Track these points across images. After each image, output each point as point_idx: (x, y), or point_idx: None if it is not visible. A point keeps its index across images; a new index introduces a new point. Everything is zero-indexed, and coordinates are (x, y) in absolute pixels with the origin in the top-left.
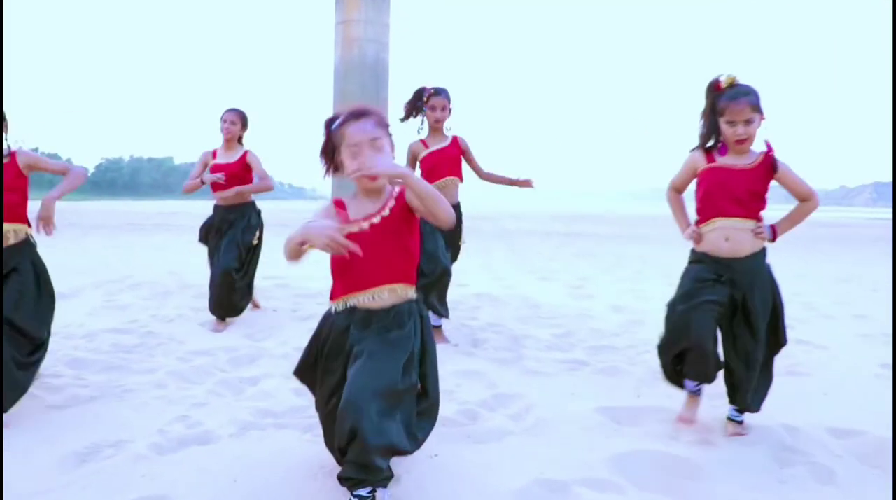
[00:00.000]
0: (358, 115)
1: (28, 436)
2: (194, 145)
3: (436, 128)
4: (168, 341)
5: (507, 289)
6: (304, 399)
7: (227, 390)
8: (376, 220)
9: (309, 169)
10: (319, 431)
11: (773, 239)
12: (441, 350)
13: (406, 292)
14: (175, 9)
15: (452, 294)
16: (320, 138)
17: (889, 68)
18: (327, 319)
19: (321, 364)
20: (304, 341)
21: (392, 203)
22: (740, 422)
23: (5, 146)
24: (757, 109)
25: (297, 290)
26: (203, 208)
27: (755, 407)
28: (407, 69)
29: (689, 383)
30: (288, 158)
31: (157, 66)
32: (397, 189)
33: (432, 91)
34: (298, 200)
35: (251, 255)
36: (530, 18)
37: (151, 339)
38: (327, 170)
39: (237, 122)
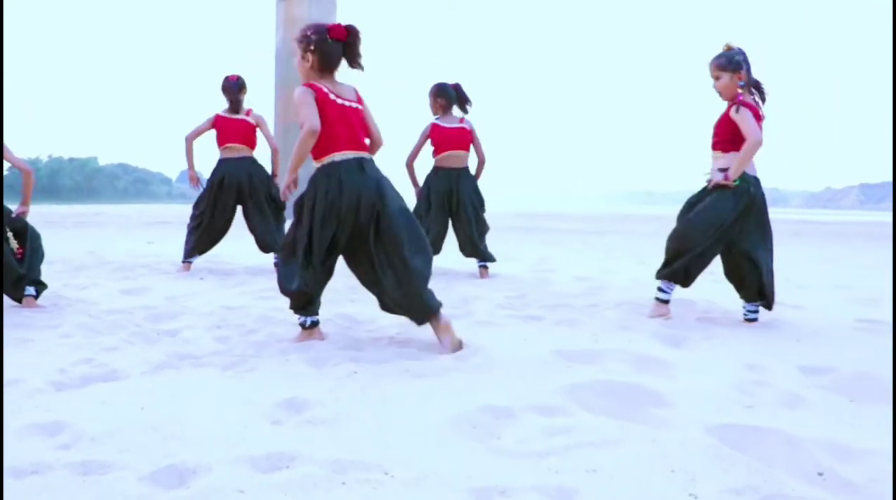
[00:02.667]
0: None
1: None
2: (121, 144)
3: None
4: (78, 302)
5: (458, 264)
6: (227, 344)
7: (140, 340)
8: (358, 105)
9: None
10: (242, 368)
11: (726, 179)
12: (373, 310)
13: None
14: None
15: None
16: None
17: (876, 70)
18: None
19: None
20: (234, 302)
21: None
22: (755, 319)
23: None
24: (721, 67)
25: (227, 264)
26: (128, 211)
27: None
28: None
29: (666, 288)
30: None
31: (78, 55)
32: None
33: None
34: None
35: None
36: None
37: (60, 301)
38: None
39: None
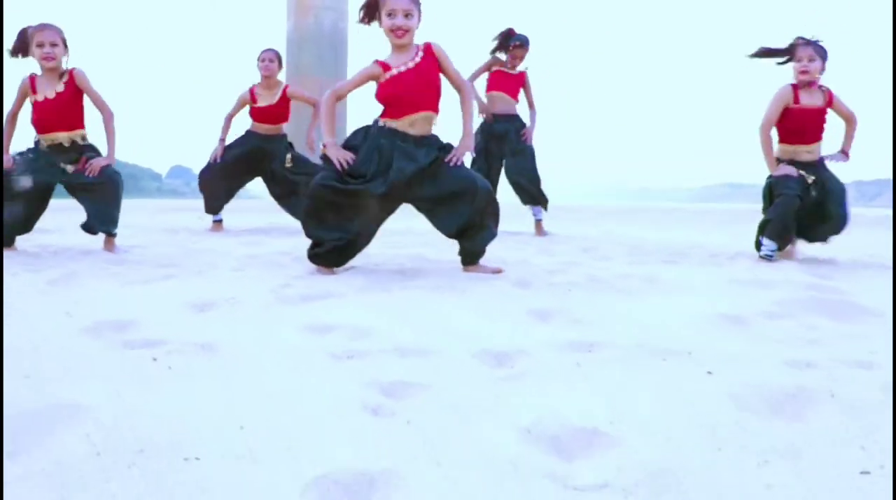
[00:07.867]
0: None
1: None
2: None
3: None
4: (208, 251)
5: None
6: (398, 275)
7: (319, 276)
8: (411, 65)
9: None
10: (449, 289)
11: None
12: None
13: (433, 118)
14: None
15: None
16: None
17: (871, 66)
18: (363, 133)
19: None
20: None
21: (420, 55)
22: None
23: None
24: (820, 55)
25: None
26: (128, 205)
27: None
28: (368, 40)
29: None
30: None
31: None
32: (423, 45)
33: (517, 42)
34: (240, 200)
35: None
36: None
37: (186, 250)
38: (362, 19)
39: (275, 59)
